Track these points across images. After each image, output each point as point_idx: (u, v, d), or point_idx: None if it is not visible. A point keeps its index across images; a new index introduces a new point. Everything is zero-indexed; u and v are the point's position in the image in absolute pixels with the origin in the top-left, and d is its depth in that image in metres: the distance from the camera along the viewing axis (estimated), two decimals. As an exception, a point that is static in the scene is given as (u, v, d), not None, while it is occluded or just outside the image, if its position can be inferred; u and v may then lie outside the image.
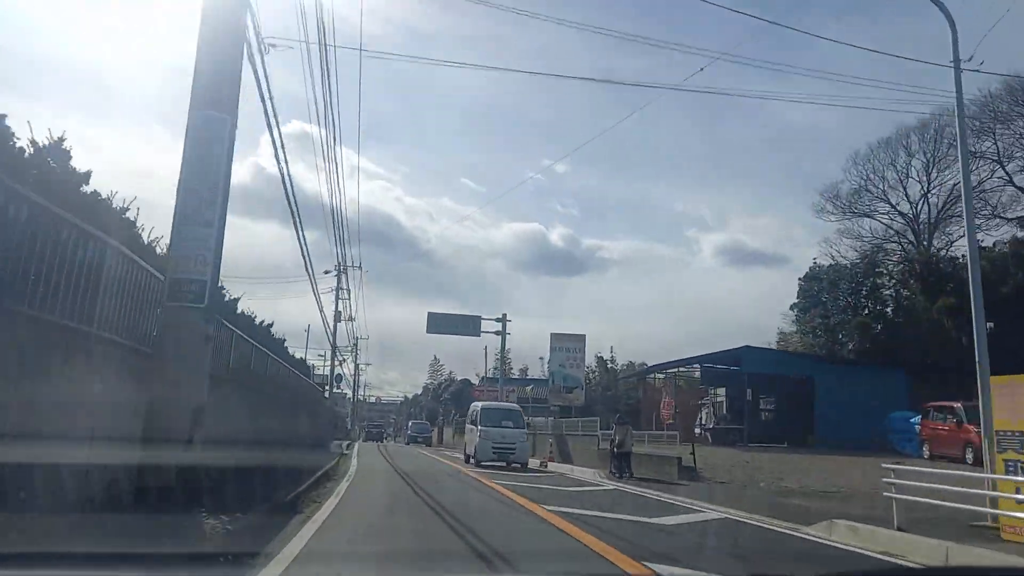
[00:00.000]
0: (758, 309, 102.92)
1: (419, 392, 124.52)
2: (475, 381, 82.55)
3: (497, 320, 36.72)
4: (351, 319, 57.10)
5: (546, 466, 25.07)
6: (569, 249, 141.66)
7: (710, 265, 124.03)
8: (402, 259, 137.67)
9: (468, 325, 36.64)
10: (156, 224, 9.67)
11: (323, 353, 58.58)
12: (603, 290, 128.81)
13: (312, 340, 70.67)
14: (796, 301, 53.04)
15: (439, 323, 36.41)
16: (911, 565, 7.31)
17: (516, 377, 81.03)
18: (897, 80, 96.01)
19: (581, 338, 40.23)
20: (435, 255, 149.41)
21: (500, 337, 36.60)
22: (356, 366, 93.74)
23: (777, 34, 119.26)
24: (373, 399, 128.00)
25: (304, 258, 18.44)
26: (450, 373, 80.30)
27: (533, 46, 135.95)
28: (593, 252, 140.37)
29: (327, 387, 58.46)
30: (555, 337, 39.80)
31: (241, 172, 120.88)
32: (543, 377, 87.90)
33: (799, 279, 54.23)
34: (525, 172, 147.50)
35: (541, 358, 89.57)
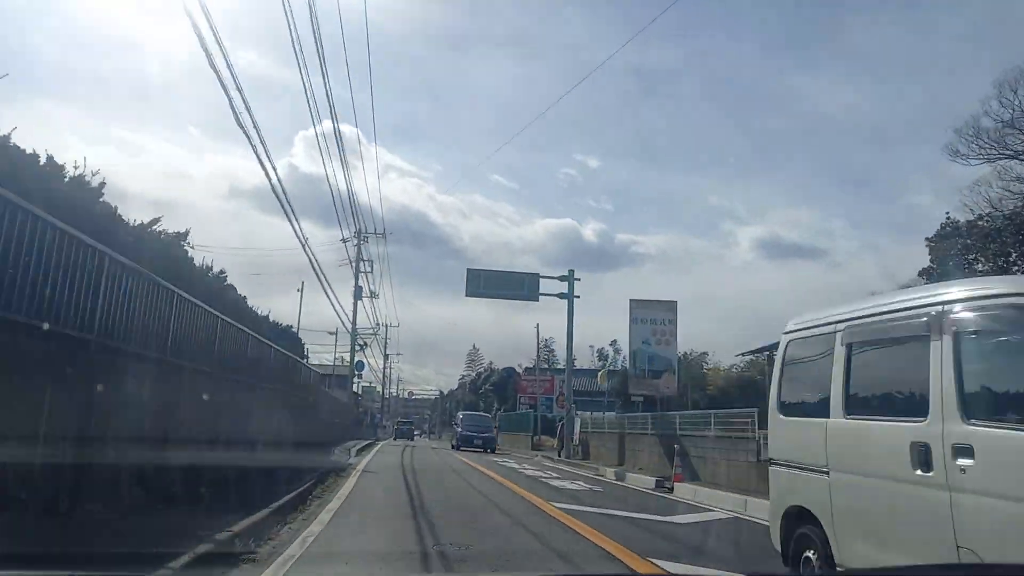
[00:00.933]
0: (798, 302, 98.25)
1: (454, 388, 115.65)
2: (515, 374, 73.19)
3: (562, 279, 26.85)
4: (373, 295, 47.99)
5: (671, 489, 15.32)
6: (603, 244, 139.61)
7: (748, 258, 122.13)
8: (435, 257, 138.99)
9: (522, 285, 26.75)
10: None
11: (335, 331, 49.30)
12: (639, 285, 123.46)
13: (338, 336, 61.75)
14: (928, 266, 42.31)
15: (483, 283, 26.58)
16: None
17: (561, 367, 71.23)
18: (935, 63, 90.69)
19: (672, 305, 30.11)
20: (468, 252, 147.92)
21: (567, 303, 26.59)
22: (385, 356, 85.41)
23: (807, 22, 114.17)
24: (407, 394, 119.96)
25: (280, 198, 9.38)
26: (490, 363, 70.81)
27: (563, 41, 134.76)
28: (627, 247, 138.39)
29: (353, 378, 49.42)
30: (636, 305, 29.77)
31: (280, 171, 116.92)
32: (592, 367, 77.89)
33: (927, 239, 43.15)
34: (558, 168, 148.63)
35: (591, 346, 79.45)
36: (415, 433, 71.56)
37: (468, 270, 26.67)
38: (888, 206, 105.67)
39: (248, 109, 10.56)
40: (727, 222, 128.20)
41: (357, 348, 46.42)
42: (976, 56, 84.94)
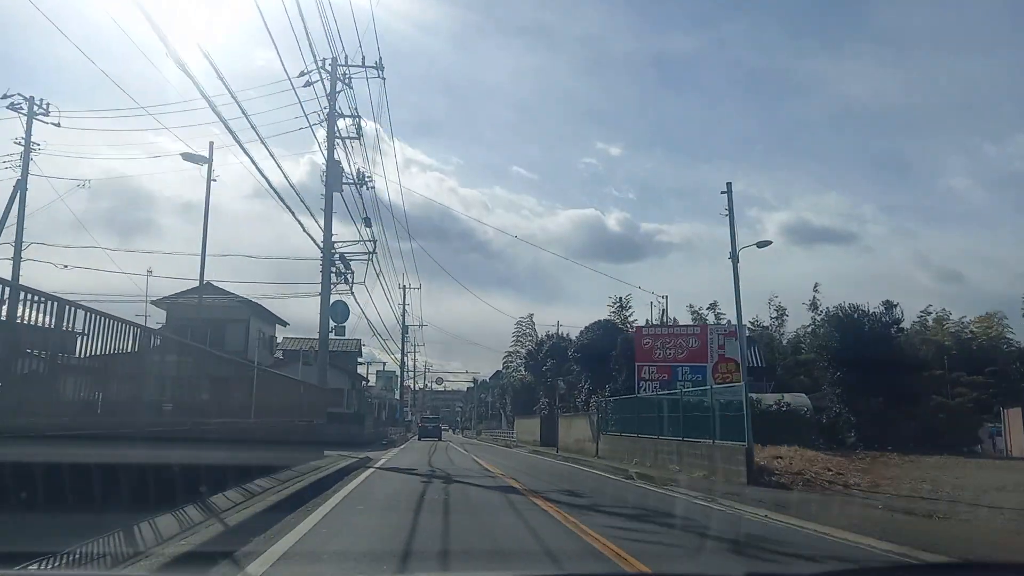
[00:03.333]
0: (830, 287, 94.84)
1: (488, 377, 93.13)
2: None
3: None
4: (360, 181, 25.61)
5: None
6: (627, 234, 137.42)
7: (776, 245, 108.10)
8: (459, 251, 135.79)
9: None
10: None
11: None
12: (664, 274, 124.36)
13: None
14: None
15: None
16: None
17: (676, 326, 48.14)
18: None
19: None
20: (491, 245, 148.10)
21: None
22: (404, 328, 63.21)
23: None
24: (435, 382, 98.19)
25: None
26: (558, 324, 47.84)
27: (579, 32, 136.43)
28: (652, 236, 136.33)
29: (330, 330, 27.27)
30: None
31: (298, 171, 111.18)
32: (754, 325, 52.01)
33: None
34: (578, 158, 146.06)
35: (772, 300, 53.53)
36: (442, 429, 63.92)
37: None
38: (920, 190, 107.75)
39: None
40: (754, 209, 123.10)
41: (338, 274, 24.03)
42: (1012, 32, 76.80)
